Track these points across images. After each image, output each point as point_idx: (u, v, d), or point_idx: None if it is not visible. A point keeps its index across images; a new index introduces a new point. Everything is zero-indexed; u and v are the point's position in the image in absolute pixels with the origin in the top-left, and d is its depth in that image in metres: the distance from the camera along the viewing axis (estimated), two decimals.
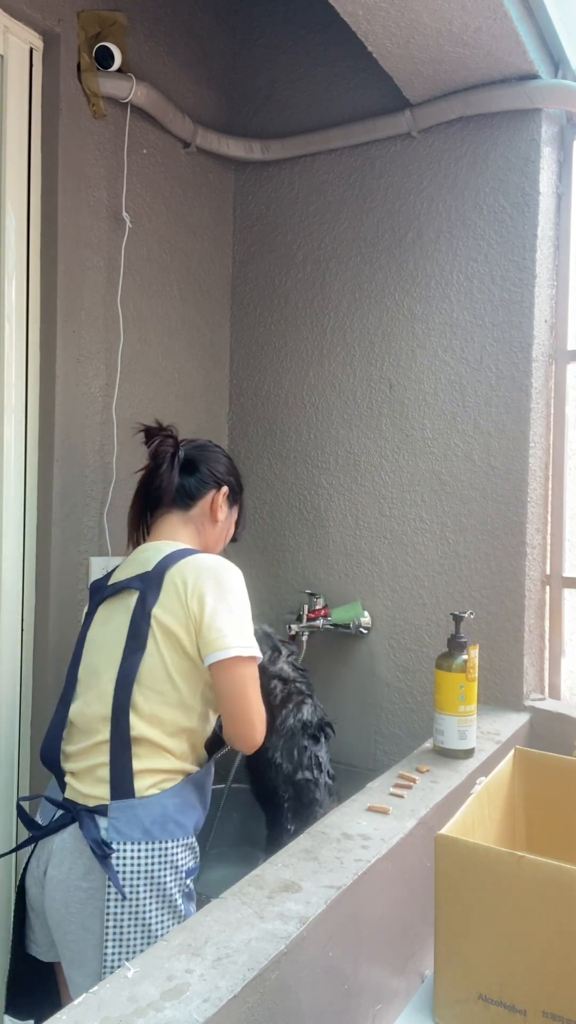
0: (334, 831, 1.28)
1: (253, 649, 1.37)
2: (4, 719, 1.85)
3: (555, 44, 1.93)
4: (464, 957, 1.02)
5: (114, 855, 1.29)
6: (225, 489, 1.61)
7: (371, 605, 2.19)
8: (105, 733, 1.36)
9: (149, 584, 1.39)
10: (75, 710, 1.44)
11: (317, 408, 2.31)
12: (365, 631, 2.17)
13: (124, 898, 1.27)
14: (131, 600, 1.41)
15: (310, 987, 1.00)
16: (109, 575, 1.56)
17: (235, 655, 1.35)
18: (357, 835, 1.26)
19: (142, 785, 1.34)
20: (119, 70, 1.96)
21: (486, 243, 2.03)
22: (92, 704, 1.41)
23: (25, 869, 1.44)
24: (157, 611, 1.38)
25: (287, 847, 1.22)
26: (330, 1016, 1.06)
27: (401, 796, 1.43)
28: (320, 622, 2.15)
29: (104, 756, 1.36)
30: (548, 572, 2.06)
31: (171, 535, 1.54)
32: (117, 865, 1.29)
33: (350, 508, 2.24)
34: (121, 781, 1.33)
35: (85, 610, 1.56)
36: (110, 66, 1.93)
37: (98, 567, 1.98)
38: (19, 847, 1.46)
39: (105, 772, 1.35)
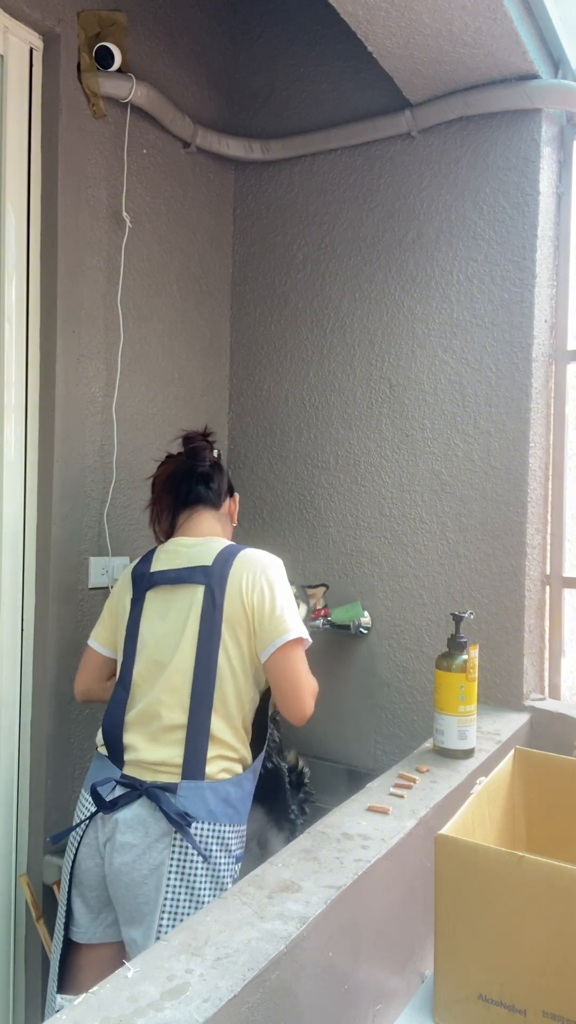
0: (334, 831, 1.28)
1: (303, 631, 1.50)
2: (4, 719, 1.85)
3: (555, 44, 1.93)
4: (464, 957, 1.02)
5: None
6: (237, 494, 1.79)
7: (371, 605, 2.19)
8: (182, 719, 1.43)
9: (213, 578, 1.49)
10: (143, 699, 1.49)
11: (317, 408, 2.31)
12: (365, 631, 2.17)
13: (206, 860, 1.37)
14: (196, 593, 1.50)
15: (310, 987, 1.00)
16: (147, 563, 1.61)
17: (295, 637, 1.47)
18: (357, 835, 1.26)
19: (213, 770, 1.42)
20: (119, 70, 1.96)
21: (486, 243, 2.02)
22: (165, 694, 1.46)
23: (77, 848, 1.47)
24: (226, 605, 1.47)
25: (287, 847, 1.22)
26: (330, 1016, 1.06)
27: (401, 796, 1.43)
28: (320, 622, 2.15)
29: (177, 743, 1.43)
30: (548, 572, 2.06)
31: (210, 531, 1.66)
32: (177, 842, 1.37)
33: (350, 508, 2.24)
34: (193, 766, 1.41)
35: (129, 597, 1.60)
36: (110, 66, 1.93)
37: (98, 567, 1.98)
38: (89, 819, 1.47)
39: (178, 757, 1.42)
